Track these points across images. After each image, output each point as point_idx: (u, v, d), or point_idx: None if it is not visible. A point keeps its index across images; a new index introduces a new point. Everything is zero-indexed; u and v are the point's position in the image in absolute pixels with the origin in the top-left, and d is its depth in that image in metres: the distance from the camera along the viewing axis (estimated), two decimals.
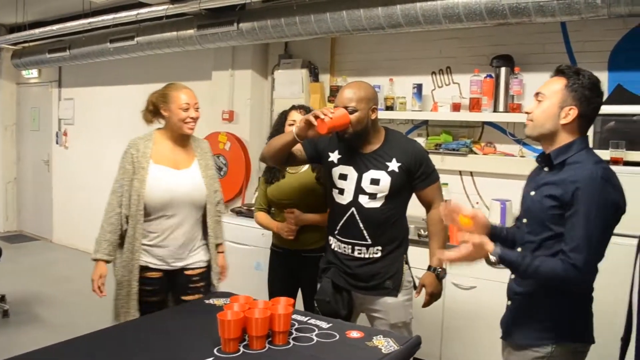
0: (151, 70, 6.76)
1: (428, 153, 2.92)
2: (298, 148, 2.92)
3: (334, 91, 4.96)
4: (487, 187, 4.37)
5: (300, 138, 2.73)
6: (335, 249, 2.90)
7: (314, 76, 5.32)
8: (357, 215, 2.80)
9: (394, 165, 2.77)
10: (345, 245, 2.86)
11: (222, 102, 5.81)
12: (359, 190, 2.80)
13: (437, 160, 4.06)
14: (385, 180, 2.77)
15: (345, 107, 2.70)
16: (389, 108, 4.68)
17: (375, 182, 2.78)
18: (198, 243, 3.15)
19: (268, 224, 3.47)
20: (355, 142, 2.79)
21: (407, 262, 2.92)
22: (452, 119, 4.49)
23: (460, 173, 4.61)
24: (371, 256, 2.82)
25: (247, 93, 5.68)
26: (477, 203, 4.51)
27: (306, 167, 3.36)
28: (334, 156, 2.88)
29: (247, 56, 5.66)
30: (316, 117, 2.59)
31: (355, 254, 2.83)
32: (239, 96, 5.72)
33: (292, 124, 3.24)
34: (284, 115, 3.48)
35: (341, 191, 2.84)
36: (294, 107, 3.44)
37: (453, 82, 4.66)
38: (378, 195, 2.77)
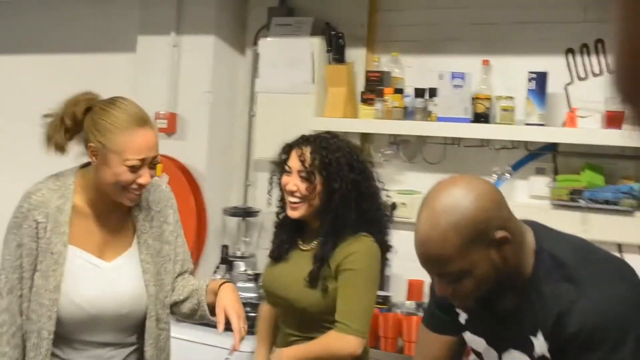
0: (31, 34, 5.45)
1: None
2: None
3: (374, 81, 4.02)
4: None
5: None
6: None
7: (337, 51, 4.29)
8: None
9: (539, 343, 2.00)
10: None
11: (154, 96, 4.64)
12: None
13: (575, 221, 3.67)
14: None
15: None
16: (479, 118, 3.83)
17: None
18: None
19: (258, 334, 2.96)
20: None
21: None
22: (605, 143, 3.67)
23: (620, 248, 3.81)
24: None
25: (206, 81, 4.66)
26: None
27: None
28: (462, 314, 2.37)
29: (208, 10, 4.63)
30: None
31: None
32: (190, 86, 4.70)
33: (288, 182, 2.66)
34: (280, 161, 2.78)
35: None
36: (301, 142, 2.73)
37: (609, 71, 3.48)
38: None
